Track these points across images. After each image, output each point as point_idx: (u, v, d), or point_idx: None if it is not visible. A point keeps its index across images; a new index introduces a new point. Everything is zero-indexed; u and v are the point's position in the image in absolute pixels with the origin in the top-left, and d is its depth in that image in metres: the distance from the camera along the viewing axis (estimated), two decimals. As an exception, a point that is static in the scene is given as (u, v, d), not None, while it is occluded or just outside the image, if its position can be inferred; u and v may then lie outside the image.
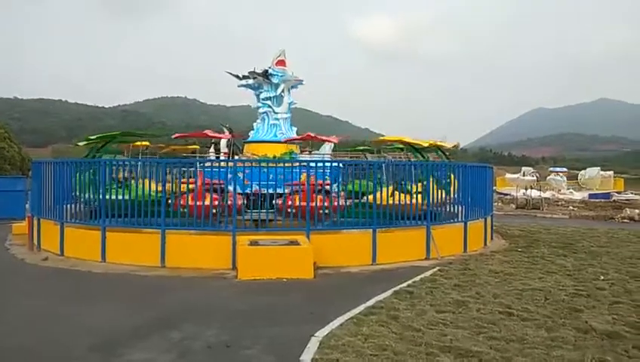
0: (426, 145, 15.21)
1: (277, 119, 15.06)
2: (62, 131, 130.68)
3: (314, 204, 10.06)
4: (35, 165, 13.39)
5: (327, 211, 10.35)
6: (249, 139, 15.30)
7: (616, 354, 5.08)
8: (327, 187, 10.84)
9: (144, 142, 16.42)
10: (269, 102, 15.07)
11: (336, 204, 10.51)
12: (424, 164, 12.95)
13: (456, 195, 11.97)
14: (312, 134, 14.59)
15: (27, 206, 15.33)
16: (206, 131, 14.41)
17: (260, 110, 15.17)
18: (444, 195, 11.66)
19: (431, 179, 11.23)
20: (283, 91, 15.17)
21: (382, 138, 17.84)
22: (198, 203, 9.83)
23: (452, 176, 12.02)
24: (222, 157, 14.06)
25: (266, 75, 14.99)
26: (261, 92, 15.19)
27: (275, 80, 15.00)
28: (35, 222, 11.99)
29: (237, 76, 15.64)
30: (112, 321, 6.35)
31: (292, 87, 15.68)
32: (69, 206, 11.11)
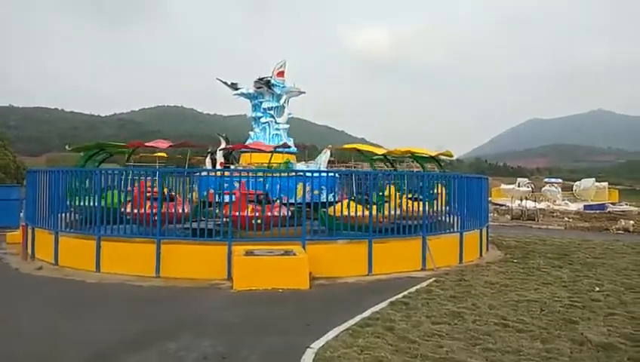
0: (381, 153, 15.68)
1: (278, 129, 15.24)
2: (57, 140, 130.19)
3: (244, 213, 9.91)
4: (29, 174, 13.35)
5: (259, 221, 10.00)
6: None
7: (611, 366, 5.09)
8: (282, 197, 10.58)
9: (161, 154, 16.38)
10: (271, 112, 15.22)
11: (271, 213, 10.14)
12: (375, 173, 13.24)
13: (444, 207, 11.75)
14: (242, 143, 14.78)
15: (22, 215, 15.26)
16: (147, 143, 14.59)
17: (262, 120, 15.25)
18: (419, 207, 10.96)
19: (392, 189, 11.13)
20: (285, 102, 15.37)
21: (344, 146, 17.88)
22: (136, 210, 9.94)
23: (439, 186, 11.76)
24: (218, 167, 14.07)
25: (268, 84, 15.13)
26: (262, 101, 15.29)
27: (277, 90, 15.16)
28: (30, 231, 11.93)
29: (226, 83, 15.74)
30: (106, 332, 6.30)
31: (291, 97, 15.86)
32: (63, 215, 11.07)
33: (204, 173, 12.28)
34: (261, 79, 15.08)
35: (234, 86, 15.55)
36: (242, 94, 15.58)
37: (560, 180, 43.44)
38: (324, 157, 15.04)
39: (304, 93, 16.01)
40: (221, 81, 15.82)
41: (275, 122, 15.20)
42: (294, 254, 9.18)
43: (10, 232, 14.28)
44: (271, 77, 15.11)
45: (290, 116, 15.78)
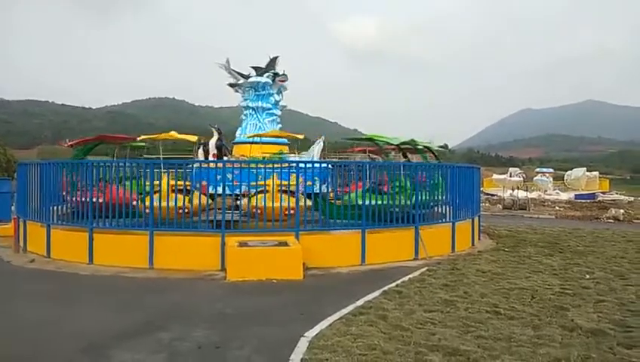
0: (302, 136, 15.31)
1: (278, 122, 15.55)
2: (48, 132, 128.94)
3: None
4: (20, 167, 13.25)
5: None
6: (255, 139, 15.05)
7: (601, 352, 5.15)
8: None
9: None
10: (279, 105, 15.65)
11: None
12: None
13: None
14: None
15: (13, 208, 15.16)
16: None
17: (276, 112, 15.67)
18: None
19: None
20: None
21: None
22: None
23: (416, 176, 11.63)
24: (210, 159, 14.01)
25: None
26: (271, 93, 15.63)
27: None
28: (21, 224, 11.86)
29: (224, 66, 15.91)
30: (99, 323, 6.31)
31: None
32: (55, 207, 11.01)
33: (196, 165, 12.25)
34: (265, 70, 15.45)
35: (228, 69, 15.88)
36: (252, 83, 15.73)
37: (551, 170, 43.70)
38: (317, 148, 15.02)
39: (287, 90, 16.56)
40: (223, 63, 16.10)
41: (279, 115, 15.68)
42: (288, 245, 9.20)
43: (1, 225, 14.18)
44: (277, 70, 15.44)
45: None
